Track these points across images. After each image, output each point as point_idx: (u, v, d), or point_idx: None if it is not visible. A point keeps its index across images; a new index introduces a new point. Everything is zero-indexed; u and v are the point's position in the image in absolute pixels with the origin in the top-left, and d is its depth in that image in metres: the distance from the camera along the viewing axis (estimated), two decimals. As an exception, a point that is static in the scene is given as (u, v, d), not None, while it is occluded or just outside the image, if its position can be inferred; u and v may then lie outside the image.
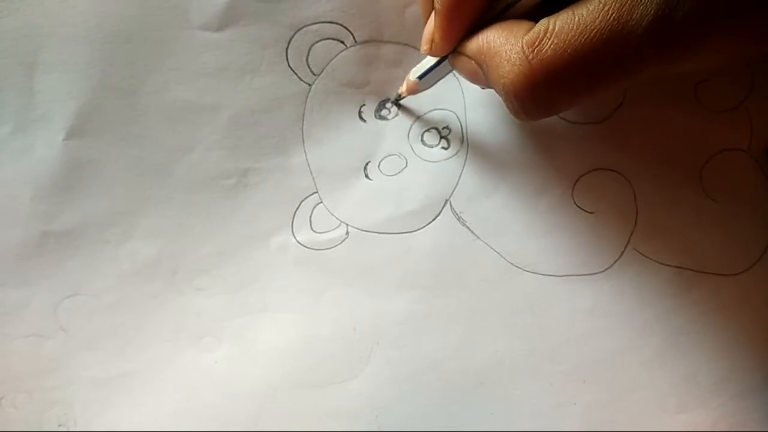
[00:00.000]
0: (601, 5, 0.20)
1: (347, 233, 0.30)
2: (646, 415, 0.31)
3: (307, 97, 0.29)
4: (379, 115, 0.30)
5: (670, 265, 0.30)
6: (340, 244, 0.30)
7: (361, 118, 0.30)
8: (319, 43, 0.29)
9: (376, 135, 0.30)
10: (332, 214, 0.30)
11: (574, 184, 0.30)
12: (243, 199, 0.30)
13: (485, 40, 0.23)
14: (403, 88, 0.29)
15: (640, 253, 0.30)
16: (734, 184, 0.30)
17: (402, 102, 0.30)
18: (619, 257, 0.30)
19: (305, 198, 0.30)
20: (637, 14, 0.19)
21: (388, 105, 0.30)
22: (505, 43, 0.22)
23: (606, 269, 0.30)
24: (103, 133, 0.29)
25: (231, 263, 0.30)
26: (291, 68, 0.29)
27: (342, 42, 0.29)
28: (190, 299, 0.30)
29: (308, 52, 0.29)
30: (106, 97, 0.28)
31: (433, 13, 0.24)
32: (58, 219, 0.29)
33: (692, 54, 0.20)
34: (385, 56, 0.29)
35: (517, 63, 0.21)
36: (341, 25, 0.29)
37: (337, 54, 0.29)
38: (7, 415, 0.30)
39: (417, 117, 0.30)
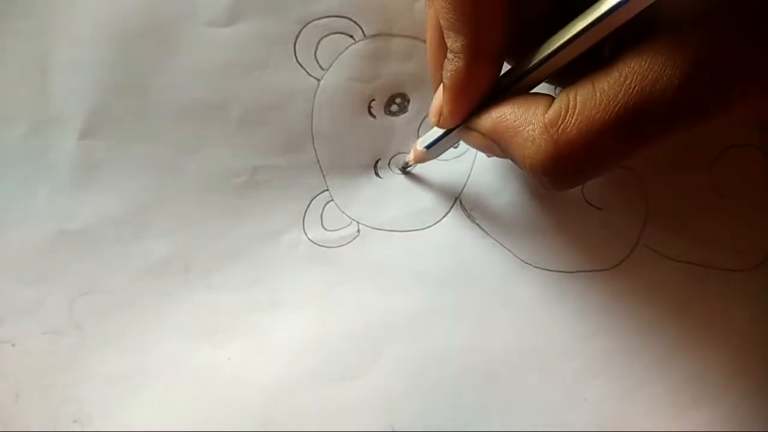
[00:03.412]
0: (621, 79, 0.19)
1: (358, 231, 0.30)
2: (656, 412, 0.31)
3: (315, 92, 0.29)
4: (389, 111, 0.30)
5: (681, 261, 0.30)
6: (351, 241, 0.30)
7: (370, 113, 0.30)
8: (328, 38, 0.29)
9: (386, 131, 0.30)
10: (343, 212, 0.30)
11: (584, 180, 0.30)
12: (254, 197, 0.30)
13: (501, 119, 0.22)
14: (410, 157, 0.29)
15: (651, 249, 0.30)
16: (744, 180, 0.30)
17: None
18: (630, 253, 0.30)
19: (316, 196, 0.30)
20: (660, 85, 0.19)
21: (398, 100, 0.30)
22: (524, 123, 0.22)
23: (616, 265, 0.30)
24: (115, 133, 0.29)
25: (243, 261, 0.30)
26: (299, 63, 0.29)
27: (351, 36, 0.29)
28: (203, 296, 0.30)
29: (316, 47, 0.29)
30: (117, 96, 0.28)
31: (441, 85, 0.24)
32: (73, 218, 0.29)
33: (721, 115, 0.19)
34: (395, 50, 0.29)
35: (543, 144, 0.21)
36: (350, 19, 0.28)
37: (346, 48, 0.29)
38: (24, 412, 0.31)
39: (426, 115, 0.30)
